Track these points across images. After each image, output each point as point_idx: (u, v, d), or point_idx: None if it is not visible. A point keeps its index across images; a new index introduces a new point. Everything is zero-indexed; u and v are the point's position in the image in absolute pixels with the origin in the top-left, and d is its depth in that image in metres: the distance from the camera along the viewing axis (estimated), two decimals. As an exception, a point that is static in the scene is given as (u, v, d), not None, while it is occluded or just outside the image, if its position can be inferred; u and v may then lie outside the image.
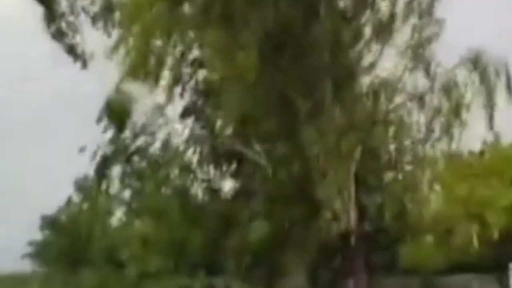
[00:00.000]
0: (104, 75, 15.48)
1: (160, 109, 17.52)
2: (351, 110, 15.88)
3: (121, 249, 21.89)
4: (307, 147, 15.75)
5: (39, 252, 42.99)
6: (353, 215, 16.18)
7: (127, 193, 20.70)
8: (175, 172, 19.42)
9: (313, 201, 16.66)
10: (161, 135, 19.24)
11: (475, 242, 19.12)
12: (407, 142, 17.47)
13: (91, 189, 21.55)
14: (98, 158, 18.16)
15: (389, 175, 18.72)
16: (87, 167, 19.37)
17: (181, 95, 18.20)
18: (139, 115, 18.60)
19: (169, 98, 16.62)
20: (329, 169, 15.76)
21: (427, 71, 16.74)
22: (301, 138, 15.87)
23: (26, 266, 50.32)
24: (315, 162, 15.78)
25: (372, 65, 16.66)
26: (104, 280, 16.96)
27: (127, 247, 21.16)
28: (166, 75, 15.91)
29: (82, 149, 17.72)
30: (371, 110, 16.68)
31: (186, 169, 19.43)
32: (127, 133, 18.18)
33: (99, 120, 18.15)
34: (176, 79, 16.69)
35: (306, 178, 16.45)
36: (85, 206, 27.42)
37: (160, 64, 15.72)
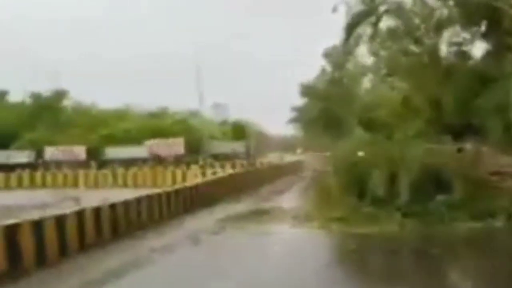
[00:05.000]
0: None
1: None
2: None
3: (374, 112, 22.34)
4: None
5: (300, 117, 48.07)
6: None
7: (375, 56, 21.02)
8: (425, 32, 19.08)
9: None
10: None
11: None
12: None
13: (340, 57, 22.46)
14: (348, 18, 18.32)
15: None
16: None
17: None
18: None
19: None
20: None
21: None
22: None
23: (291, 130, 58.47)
24: None
25: None
26: (365, 142, 17.60)
27: (385, 109, 21.43)
28: None
29: (334, 9, 18.00)
30: None
31: (436, 29, 18.96)
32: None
33: None
34: None
35: None
36: (336, 74, 28.95)
37: None
